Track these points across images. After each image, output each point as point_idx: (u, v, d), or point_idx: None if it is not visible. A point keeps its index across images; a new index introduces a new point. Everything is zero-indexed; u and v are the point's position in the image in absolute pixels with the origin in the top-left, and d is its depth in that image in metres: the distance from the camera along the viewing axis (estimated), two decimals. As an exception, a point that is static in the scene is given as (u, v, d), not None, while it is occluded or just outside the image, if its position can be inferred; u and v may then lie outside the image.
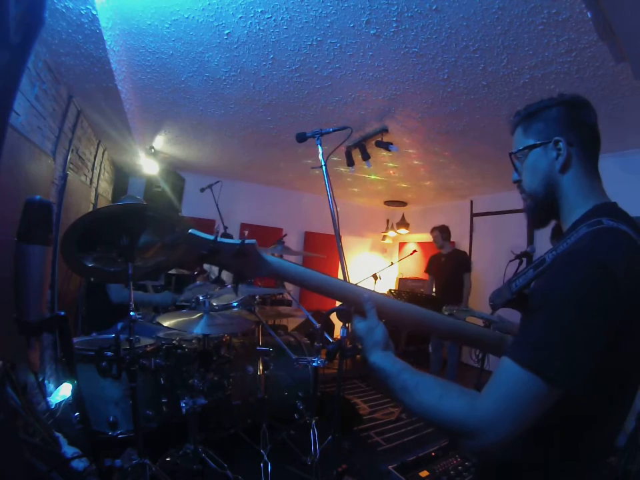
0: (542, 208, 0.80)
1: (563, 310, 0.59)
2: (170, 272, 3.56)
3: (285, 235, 3.41)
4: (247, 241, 0.71)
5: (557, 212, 0.79)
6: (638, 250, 0.63)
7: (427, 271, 4.23)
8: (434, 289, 4.21)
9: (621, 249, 0.62)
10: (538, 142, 0.77)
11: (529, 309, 0.67)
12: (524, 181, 0.83)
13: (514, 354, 0.60)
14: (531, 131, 0.80)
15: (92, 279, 2.33)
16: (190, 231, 0.71)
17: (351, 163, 3.37)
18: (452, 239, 5.28)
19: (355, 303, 0.80)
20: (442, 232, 4.04)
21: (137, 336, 1.62)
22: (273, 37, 1.85)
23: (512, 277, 0.81)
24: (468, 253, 4.22)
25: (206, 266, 4.23)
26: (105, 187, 4.02)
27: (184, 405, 1.77)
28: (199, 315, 1.97)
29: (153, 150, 3.70)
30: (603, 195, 0.75)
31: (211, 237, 0.70)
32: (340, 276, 1.22)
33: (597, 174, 0.77)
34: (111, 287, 2.43)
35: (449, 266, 3.95)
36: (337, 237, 1.47)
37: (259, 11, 1.66)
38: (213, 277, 4.09)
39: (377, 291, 0.86)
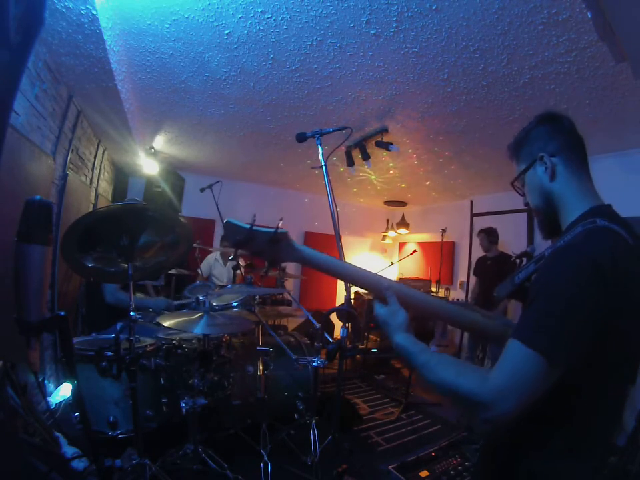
0: (548, 218, 0.88)
1: (558, 296, 0.67)
2: (170, 272, 3.56)
3: (285, 235, 3.39)
4: (279, 230, 0.78)
5: (559, 217, 0.85)
6: (627, 247, 0.71)
7: (474, 273, 4.15)
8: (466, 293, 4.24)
9: (610, 246, 0.69)
10: (526, 165, 0.88)
11: (528, 297, 0.73)
12: (530, 201, 0.91)
13: (518, 335, 0.68)
14: (522, 158, 0.90)
15: (91, 279, 2.33)
16: (227, 219, 0.79)
17: (350, 163, 3.37)
18: (452, 239, 5.33)
19: (376, 290, 0.89)
20: (488, 235, 3.94)
21: (137, 336, 1.62)
22: (273, 37, 1.85)
23: (515, 272, 0.91)
24: (512, 257, 3.80)
25: (204, 267, 4.23)
26: (104, 186, 4.02)
27: (184, 404, 1.77)
28: (199, 315, 1.97)
29: (152, 150, 3.70)
30: (597, 197, 0.82)
31: (247, 226, 0.78)
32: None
33: (588, 176, 0.84)
34: (106, 287, 2.42)
35: (493, 270, 3.85)
36: (337, 237, 1.47)
37: (259, 10, 1.66)
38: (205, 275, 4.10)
39: (395, 280, 0.95)
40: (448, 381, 0.71)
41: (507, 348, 0.69)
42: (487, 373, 0.69)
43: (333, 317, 4.55)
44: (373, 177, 4.45)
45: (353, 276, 0.88)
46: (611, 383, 0.73)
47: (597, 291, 0.66)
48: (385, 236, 6.42)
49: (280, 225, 0.83)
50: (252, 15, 1.69)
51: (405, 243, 6.42)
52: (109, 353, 1.49)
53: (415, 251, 4.36)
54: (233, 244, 0.81)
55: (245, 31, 1.82)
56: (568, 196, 0.82)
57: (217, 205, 3.19)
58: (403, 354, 0.82)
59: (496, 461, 0.84)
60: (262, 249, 0.81)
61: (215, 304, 2.58)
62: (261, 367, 2.29)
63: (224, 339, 2.32)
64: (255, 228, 0.78)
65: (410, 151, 3.43)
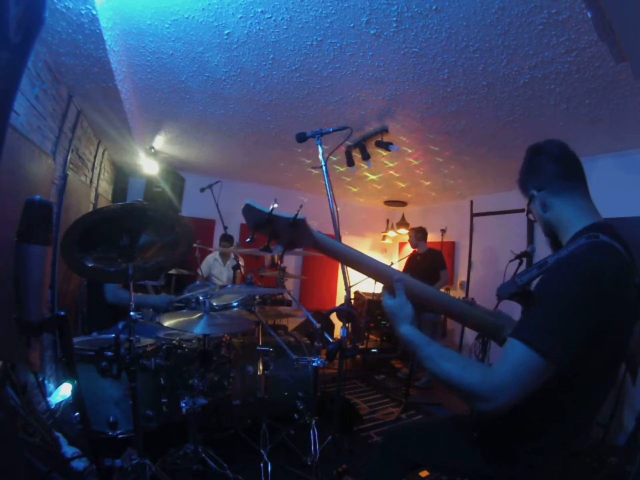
0: (551, 241, 1.01)
1: (559, 303, 0.73)
2: (170, 272, 3.56)
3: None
4: (299, 216, 0.81)
5: (559, 237, 0.96)
6: (625, 262, 0.79)
7: (405, 270, 4.35)
8: None
9: (611, 260, 0.76)
10: (528, 200, 1.00)
11: (531, 300, 0.79)
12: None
13: (519, 335, 0.74)
14: (526, 193, 1.02)
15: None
16: (246, 202, 0.83)
17: (351, 162, 3.37)
18: (452, 239, 5.33)
19: (386, 281, 0.93)
20: (416, 232, 4.35)
21: (137, 336, 1.62)
22: (273, 37, 1.85)
23: (517, 274, 0.95)
24: (441, 252, 4.45)
25: (204, 268, 4.23)
26: (104, 186, 4.02)
27: (184, 404, 1.77)
28: (199, 315, 1.97)
29: (153, 150, 3.70)
30: (596, 214, 0.91)
31: (267, 210, 0.81)
32: (340, 276, 1.25)
33: (583, 195, 0.92)
34: (106, 286, 2.43)
35: (423, 264, 4.21)
36: (337, 237, 1.47)
37: (259, 10, 1.66)
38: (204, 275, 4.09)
39: (405, 274, 0.99)
40: (452, 374, 0.77)
41: (508, 347, 0.75)
42: (488, 368, 0.74)
43: (333, 317, 4.55)
44: (372, 177, 4.46)
45: (363, 265, 0.91)
46: (596, 384, 0.81)
47: (595, 300, 0.71)
48: (385, 236, 6.42)
49: (301, 208, 0.84)
50: (252, 14, 1.69)
51: (405, 243, 6.41)
52: (109, 353, 1.49)
53: (415, 250, 4.36)
54: (251, 226, 0.84)
55: (245, 31, 1.82)
56: (563, 220, 0.92)
57: (216, 205, 3.20)
58: (408, 345, 0.88)
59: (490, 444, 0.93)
60: (280, 232, 0.84)
61: (214, 304, 2.58)
62: (261, 367, 2.29)
63: (224, 339, 2.32)
64: (274, 213, 0.80)
65: (410, 150, 3.43)
